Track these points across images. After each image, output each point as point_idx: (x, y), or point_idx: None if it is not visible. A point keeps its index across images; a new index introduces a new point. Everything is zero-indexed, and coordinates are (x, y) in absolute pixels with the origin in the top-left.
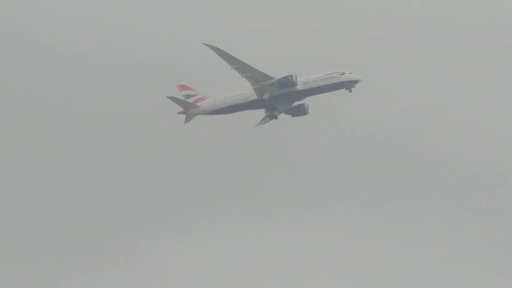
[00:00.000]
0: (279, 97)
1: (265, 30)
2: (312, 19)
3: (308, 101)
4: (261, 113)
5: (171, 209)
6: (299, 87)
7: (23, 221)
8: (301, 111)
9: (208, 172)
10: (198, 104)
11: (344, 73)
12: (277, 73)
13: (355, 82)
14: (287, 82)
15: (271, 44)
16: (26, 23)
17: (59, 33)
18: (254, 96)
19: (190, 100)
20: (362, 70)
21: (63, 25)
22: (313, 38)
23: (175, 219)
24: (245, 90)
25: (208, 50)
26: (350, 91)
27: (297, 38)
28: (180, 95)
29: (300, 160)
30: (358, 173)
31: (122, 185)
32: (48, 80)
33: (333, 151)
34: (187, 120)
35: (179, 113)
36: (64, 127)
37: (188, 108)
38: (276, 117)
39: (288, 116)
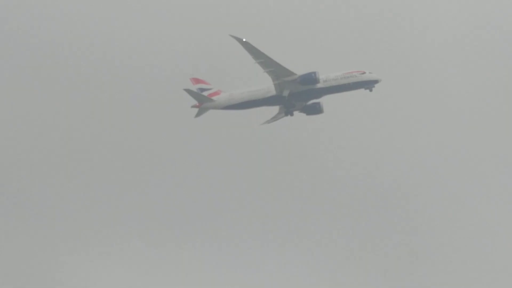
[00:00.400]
0: (298, 94)
1: (283, 26)
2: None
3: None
4: (275, 109)
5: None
6: (319, 84)
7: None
8: (316, 109)
9: (209, 171)
10: (214, 98)
11: (364, 73)
12: (295, 70)
13: (376, 82)
14: (310, 78)
15: (288, 40)
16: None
17: (74, 23)
18: (272, 92)
19: (205, 94)
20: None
21: (80, 14)
22: (331, 36)
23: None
24: (262, 85)
25: (226, 44)
26: (371, 90)
27: (315, 35)
28: (193, 89)
29: (307, 161)
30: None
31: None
32: (56, 73)
33: (346, 153)
34: (199, 114)
35: (193, 106)
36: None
37: (203, 102)
38: (292, 114)
39: (302, 114)
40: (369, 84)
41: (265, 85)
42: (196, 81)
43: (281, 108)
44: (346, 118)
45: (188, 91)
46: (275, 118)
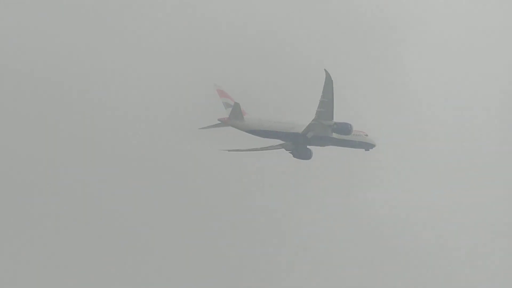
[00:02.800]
0: (317, 138)
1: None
2: None
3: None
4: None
5: None
6: (335, 135)
7: None
8: (307, 154)
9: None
10: (244, 117)
11: (367, 135)
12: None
13: (373, 146)
14: (345, 129)
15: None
16: None
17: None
18: (297, 129)
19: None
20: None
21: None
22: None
23: None
24: (286, 119)
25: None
26: (368, 150)
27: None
28: (219, 101)
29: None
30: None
31: None
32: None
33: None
34: (208, 127)
35: (220, 119)
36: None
37: (233, 118)
38: (294, 153)
39: (289, 155)
40: (368, 147)
41: (289, 119)
42: (222, 94)
43: (290, 144)
44: (332, 170)
45: (236, 105)
46: (270, 147)
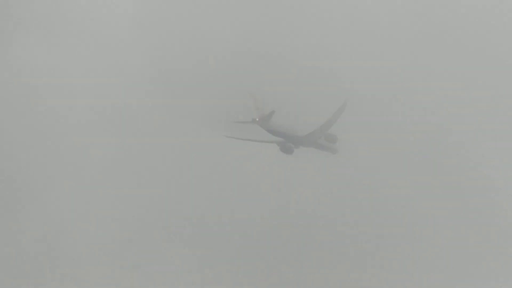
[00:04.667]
0: (308, 141)
1: None
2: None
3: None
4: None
5: None
6: (320, 140)
7: None
8: (291, 150)
9: None
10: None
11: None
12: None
13: (338, 151)
14: (334, 138)
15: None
16: None
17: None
18: (300, 133)
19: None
20: None
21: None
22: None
23: None
24: (293, 124)
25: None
26: (334, 154)
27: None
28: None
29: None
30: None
31: None
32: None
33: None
34: (242, 122)
35: (253, 118)
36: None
37: (262, 119)
38: (286, 149)
39: (277, 148)
40: (335, 151)
41: (295, 124)
42: (254, 99)
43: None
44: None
45: (271, 112)
46: (265, 141)
